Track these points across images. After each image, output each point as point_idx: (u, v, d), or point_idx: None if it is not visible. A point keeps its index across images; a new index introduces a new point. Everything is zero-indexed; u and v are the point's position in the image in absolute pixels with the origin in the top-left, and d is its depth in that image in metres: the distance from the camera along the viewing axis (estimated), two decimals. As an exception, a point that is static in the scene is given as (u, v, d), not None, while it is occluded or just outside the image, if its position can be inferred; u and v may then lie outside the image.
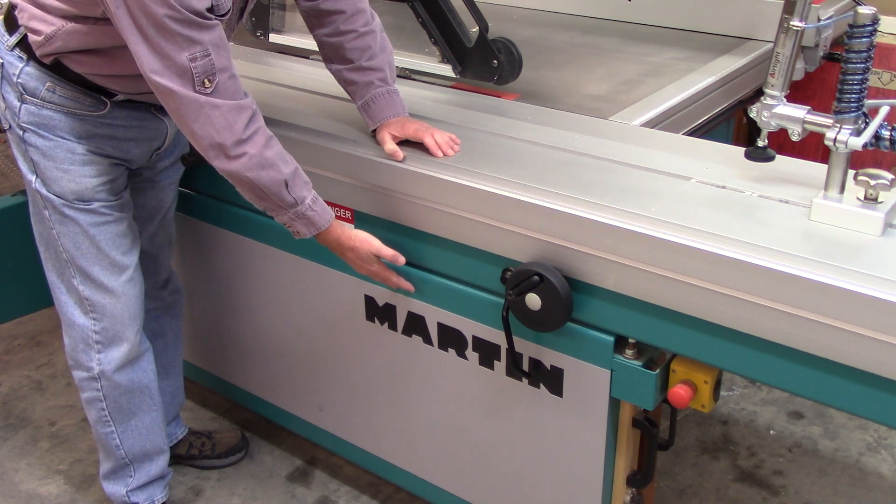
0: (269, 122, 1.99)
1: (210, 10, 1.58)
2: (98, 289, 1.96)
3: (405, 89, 1.97)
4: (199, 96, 1.57)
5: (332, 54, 1.91)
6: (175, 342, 2.38)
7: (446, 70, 2.22)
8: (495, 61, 2.13)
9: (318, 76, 2.23)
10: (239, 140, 1.61)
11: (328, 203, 1.96)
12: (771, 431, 2.69)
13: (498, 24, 2.32)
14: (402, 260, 1.85)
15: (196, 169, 2.19)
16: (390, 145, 1.80)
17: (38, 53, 1.77)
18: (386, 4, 2.24)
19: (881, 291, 1.29)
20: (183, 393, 2.49)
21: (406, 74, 2.30)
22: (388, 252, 1.83)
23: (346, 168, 1.88)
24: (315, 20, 1.90)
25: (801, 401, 2.79)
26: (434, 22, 2.17)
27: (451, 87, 2.24)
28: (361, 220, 1.93)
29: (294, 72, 2.36)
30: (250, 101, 1.65)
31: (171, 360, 2.38)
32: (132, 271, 2.00)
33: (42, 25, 1.73)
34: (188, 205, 2.30)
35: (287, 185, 1.68)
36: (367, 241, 1.82)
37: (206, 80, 1.57)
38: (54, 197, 1.87)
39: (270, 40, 2.57)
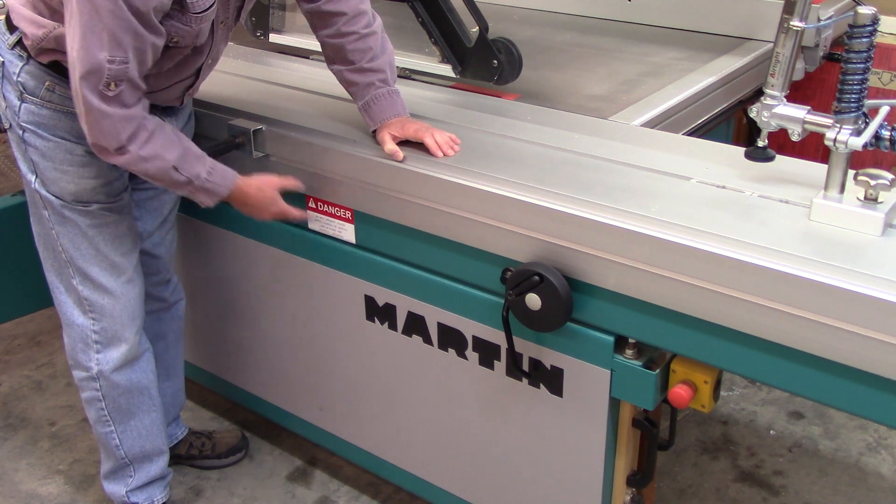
0: (270, 122, 2.00)
1: (182, 5, 1.60)
2: (97, 289, 1.96)
3: (405, 89, 1.96)
4: (94, 100, 1.59)
5: (333, 55, 1.91)
6: (176, 343, 2.38)
7: (446, 70, 2.22)
8: (495, 61, 2.13)
9: (319, 76, 2.23)
10: (120, 146, 1.66)
11: (327, 203, 1.97)
12: (771, 431, 2.69)
13: (498, 24, 2.32)
14: (302, 186, 1.91)
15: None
16: (390, 145, 1.80)
17: (32, 53, 1.77)
18: (386, 4, 2.24)
19: (881, 291, 1.29)
20: (184, 394, 2.48)
21: (406, 74, 2.29)
22: (291, 182, 1.89)
23: (346, 168, 1.88)
24: (317, 21, 1.90)
25: (801, 401, 2.78)
26: (434, 22, 2.17)
27: (451, 87, 2.24)
28: (361, 219, 1.93)
29: (294, 72, 2.36)
30: (140, 108, 1.68)
31: (172, 361, 2.38)
32: (131, 272, 2.00)
33: (32, 28, 1.74)
34: (188, 205, 2.29)
35: (176, 168, 1.74)
36: (268, 178, 1.88)
37: (112, 84, 1.59)
38: (53, 198, 1.87)
39: (270, 40, 2.57)
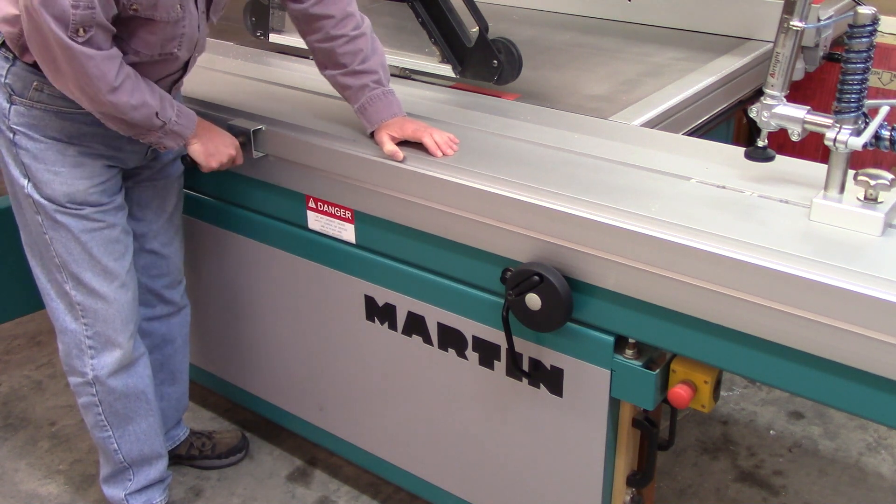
0: (270, 122, 2.00)
1: None
2: (89, 294, 1.94)
3: (405, 89, 1.97)
4: (73, 44, 1.59)
5: (325, 60, 1.91)
6: (183, 348, 2.36)
7: (446, 70, 2.22)
8: (495, 61, 2.13)
9: (318, 76, 2.22)
10: (112, 88, 1.66)
11: (327, 203, 1.97)
12: (771, 431, 2.69)
13: (498, 24, 2.32)
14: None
15: (196, 169, 2.19)
16: (390, 146, 1.80)
17: (17, 53, 1.76)
18: (386, 4, 2.25)
19: (881, 291, 1.29)
20: (187, 397, 2.47)
21: (406, 74, 2.30)
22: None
23: (346, 168, 1.88)
24: (305, 25, 1.89)
25: (801, 401, 2.78)
26: (434, 22, 2.17)
27: (451, 87, 2.24)
28: (361, 220, 1.93)
29: (294, 72, 2.36)
30: (116, 49, 1.68)
31: (178, 365, 2.36)
32: (124, 277, 1.98)
33: (7, 26, 1.73)
34: (188, 205, 2.29)
35: (157, 114, 1.75)
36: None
37: (80, 30, 1.58)
38: (46, 202, 1.85)
39: (270, 40, 2.58)
